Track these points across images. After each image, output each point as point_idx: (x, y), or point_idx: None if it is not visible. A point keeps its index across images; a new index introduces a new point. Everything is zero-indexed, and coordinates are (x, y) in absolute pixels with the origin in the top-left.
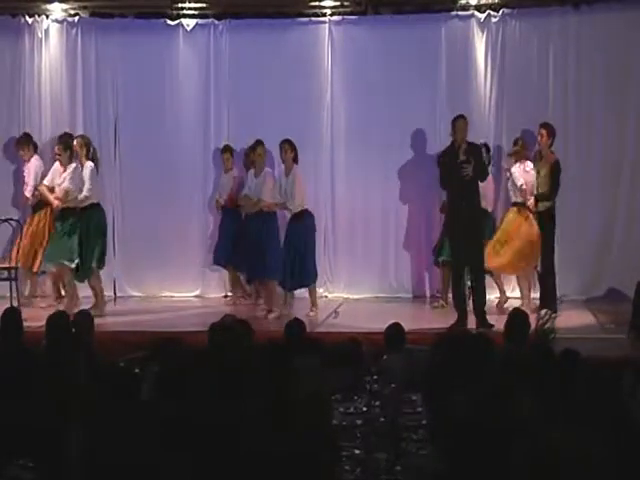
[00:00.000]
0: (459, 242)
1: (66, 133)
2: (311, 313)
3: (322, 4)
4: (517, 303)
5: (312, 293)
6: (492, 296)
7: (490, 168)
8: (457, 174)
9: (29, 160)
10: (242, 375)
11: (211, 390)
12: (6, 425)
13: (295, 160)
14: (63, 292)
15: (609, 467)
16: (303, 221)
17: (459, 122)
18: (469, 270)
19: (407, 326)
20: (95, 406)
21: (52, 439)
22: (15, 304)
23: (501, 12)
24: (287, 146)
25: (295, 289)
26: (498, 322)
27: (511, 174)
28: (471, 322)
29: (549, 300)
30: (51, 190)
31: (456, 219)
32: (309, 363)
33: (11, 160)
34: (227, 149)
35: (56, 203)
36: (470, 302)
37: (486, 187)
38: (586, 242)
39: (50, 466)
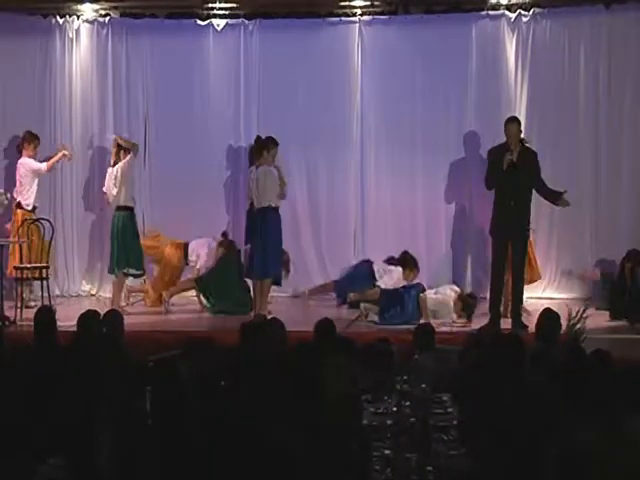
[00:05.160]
0: (502, 243)
1: None
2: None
3: (352, 4)
4: None
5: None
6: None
7: None
8: (504, 174)
9: None
10: (273, 374)
11: (242, 389)
12: (38, 424)
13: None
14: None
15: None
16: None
17: (507, 126)
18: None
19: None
20: (124, 405)
21: (83, 438)
22: (47, 303)
23: (532, 12)
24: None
25: None
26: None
27: None
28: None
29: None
30: None
31: (502, 219)
32: (341, 362)
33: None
34: None
35: None
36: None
37: None
38: (617, 242)
39: (81, 465)
